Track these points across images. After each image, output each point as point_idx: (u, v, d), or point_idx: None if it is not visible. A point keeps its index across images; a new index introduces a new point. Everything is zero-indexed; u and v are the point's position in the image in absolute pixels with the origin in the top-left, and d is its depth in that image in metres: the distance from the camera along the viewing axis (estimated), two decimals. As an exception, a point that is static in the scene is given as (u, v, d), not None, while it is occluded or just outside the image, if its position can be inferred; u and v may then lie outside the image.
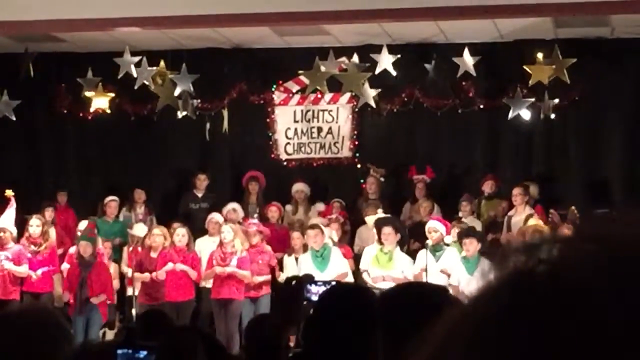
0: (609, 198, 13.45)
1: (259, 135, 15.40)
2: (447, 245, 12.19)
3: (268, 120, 15.39)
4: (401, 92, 14.70)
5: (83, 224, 13.08)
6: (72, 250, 12.77)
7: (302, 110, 15.34)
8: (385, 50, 13.79)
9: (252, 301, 12.36)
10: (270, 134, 15.41)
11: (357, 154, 15.13)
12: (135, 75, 14.01)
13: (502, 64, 14.15)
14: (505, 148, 14.65)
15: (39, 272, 12.57)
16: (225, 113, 15.11)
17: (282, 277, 12.34)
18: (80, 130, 15.55)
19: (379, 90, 14.16)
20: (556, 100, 13.84)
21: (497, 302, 0.78)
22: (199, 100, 14.83)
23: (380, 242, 12.23)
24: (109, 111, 14.76)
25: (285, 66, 14.76)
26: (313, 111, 15.32)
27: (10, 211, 12.98)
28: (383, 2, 11.24)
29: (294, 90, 15.21)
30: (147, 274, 12.52)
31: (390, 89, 14.39)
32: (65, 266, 12.76)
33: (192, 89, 14.35)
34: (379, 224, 12.34)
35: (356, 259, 12.83)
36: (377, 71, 13.80)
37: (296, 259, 12.62)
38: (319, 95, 14.98)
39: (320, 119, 15.32)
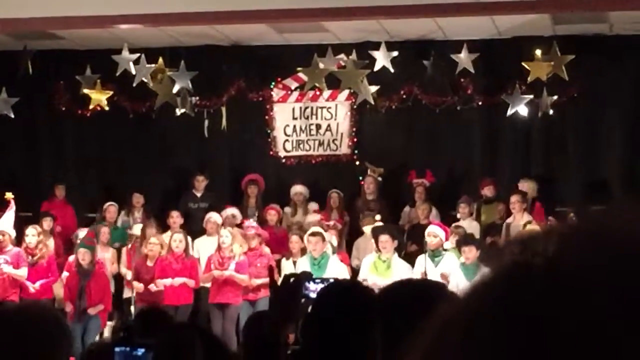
0: (608, 195, 13.44)
1: (258, 132, 15.39)
2: (446, 250, 12.20)
3: (266, 117, 15.38)
4: (400, 89, 14.69)
5: (82, 233, 13.04)
6: (72, 259, 12.60)
7: (300, 108, 15.33)
8: (383, 47, 13.78)
9: (250, 304, 12.34)
10: (268, 131, 15.40)
11: (356, 151, 15.12)
12: (133, 72, 13.99)
13: (500, 60, 14.14)
14: (503, 145, 14.64)
15: (37, 284, 12.41)
16: (223, 110, 15.10)
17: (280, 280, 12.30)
18: (78, 127, 15.53)
19: (378, 87, 14.16)
20: (555, 97, 13.83)
21: (493, 294, 0.77)
22: (197, 98, 14.81)
23: (378, 249, 12.24)
24: (107, 108, 14.74)
25: (284, 63, 14.75)
26: (312, 108, 15.31)
27: (10, 214, 12.94)
28: (381, -1, 11.25)
29: (293, 87, 15.20)
30: (141, 285, 12.48)
31: (389, 86, 14.38)
32: (65, 274, 12.62)
33: (190, 86, 14.34)
34: (376, 233, 12.35)
35: (354, 272, 12.76)
36: (376, 68, 13.80)
37: (294, 262, 12.58)
38: (318, 93, 14.97)
39: (318, 116, 15.31)
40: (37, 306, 3.81)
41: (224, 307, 12.29)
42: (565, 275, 0.75)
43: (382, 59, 13.77)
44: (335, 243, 12.85)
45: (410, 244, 13.11)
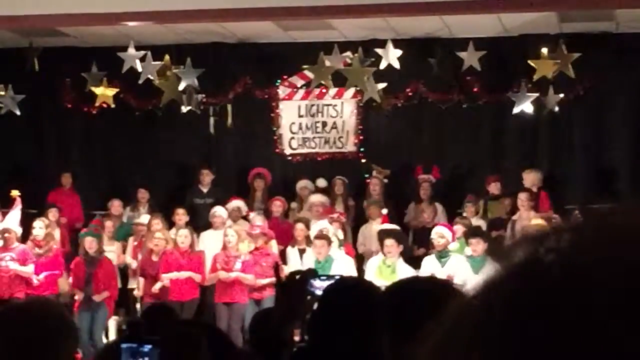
0: (615, 193, 13.43)
1: (264, 129, 15.39)
2: (452, 252, 12.19)
3: (272, 114, 15.38)
4: (406, 86, 14.69)
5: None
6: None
7: (306, 105, 15.33)
8: (390, 45, 13.77)
9: (256, 303, 12.33)
10: (274, 129, 15.40)
11: (362, 149, 15.11)
12: (139, 69, 14.00)
13: (506, 58, 14.13)
14: (509, 143, 14.63)
15: (41, 276, 12.41)
16: (229, 108, 15.11)
17: (286, 271, 12.32)
18: (84, 124, 15.56)
19: (384, 84, 14.14)
20: (561, 95, 13.82)
21: (505, 290, 0.76)
22: (203, 95, 14.80)
23: (383, 252, 12.25)
24: (113, 106, 14.74)
25: (290, 61, 14.74)
26: (317, 106, 15.31)
27: (16, 211, 12.95)
28: (388, -4, 11.23)
29: (299, 85, 15.20)
30: (142, 282, 12.51)
31: (395, 83, 14.37)
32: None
33: (196, 83, 14.34)
34: (381, 236, 12.35)
35: (359, 259, 12.80)
36: (382, 66, 13.78)
37: (299, 250, 12.60)
38: (324, 90, 14.97)
39: (324, 113, 15.31)
40: (42, 302, 3.81)
41: (230, 305, 12.30)
42: (578, 268, 0.74)
43: (388, 56, 13.76)
44: (341, 236, 12.86)
45: (418, 248, 13.14)
